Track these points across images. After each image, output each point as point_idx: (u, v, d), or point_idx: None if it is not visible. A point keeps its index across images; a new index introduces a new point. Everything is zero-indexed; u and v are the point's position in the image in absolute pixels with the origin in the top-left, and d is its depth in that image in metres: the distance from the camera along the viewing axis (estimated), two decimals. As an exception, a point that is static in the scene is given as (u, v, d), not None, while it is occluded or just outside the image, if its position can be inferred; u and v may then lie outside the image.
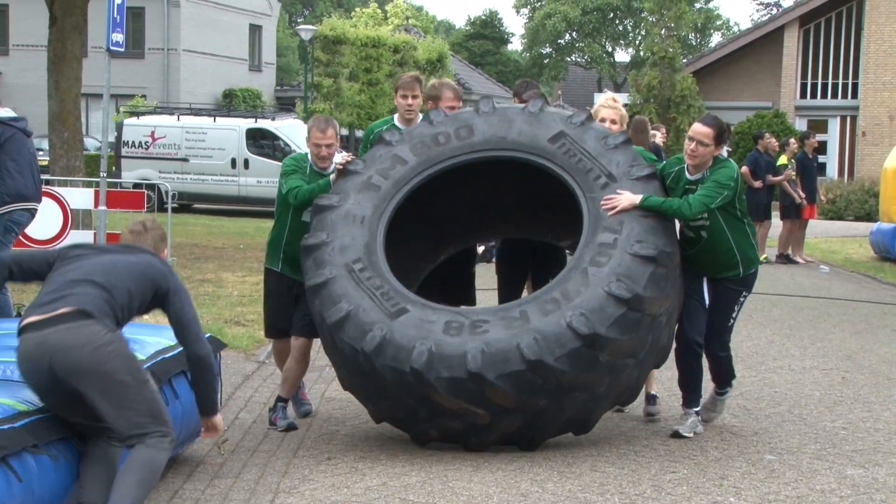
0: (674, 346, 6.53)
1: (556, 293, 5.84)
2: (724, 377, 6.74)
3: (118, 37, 9.86)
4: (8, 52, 39.29)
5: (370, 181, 6.34)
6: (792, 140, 17.37)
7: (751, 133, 26.68)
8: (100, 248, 5.27)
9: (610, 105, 6.93)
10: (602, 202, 6.08)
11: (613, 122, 6.76)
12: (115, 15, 9.82)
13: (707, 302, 6.52)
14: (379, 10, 48.58)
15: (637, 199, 6.07)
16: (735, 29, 60.48)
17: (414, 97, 7.13)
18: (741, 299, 6.55)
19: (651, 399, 7.01)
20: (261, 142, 24.61)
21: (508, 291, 7.15)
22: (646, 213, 6.07)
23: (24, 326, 4.44)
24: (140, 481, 4.38)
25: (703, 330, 6.49)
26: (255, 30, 43.87)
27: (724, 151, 6.60)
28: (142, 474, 4.37)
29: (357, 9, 53.05)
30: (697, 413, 6.63)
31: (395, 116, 7.26)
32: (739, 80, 36.30)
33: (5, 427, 3.94)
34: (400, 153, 6.45)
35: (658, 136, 15.01)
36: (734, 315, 6.56)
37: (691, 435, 6.47)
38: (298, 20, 66.43)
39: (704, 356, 6.58)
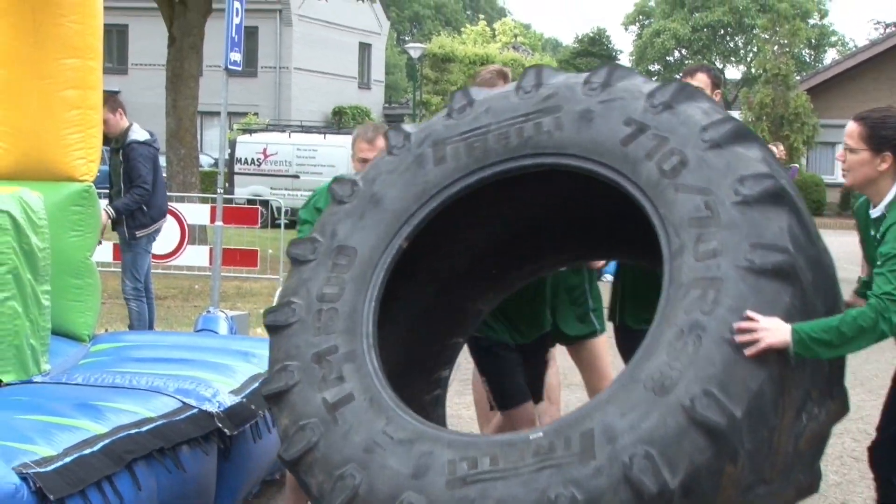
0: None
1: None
2: None
3: (236, 56, 10.07)
4: (127, 70, 40.47)
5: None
6: None
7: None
8: None
9: None
10: (735, 333, 3.36)
11: None
12: (234, 35, 10.03)
13: None
14: (487, 28, 48.88)
15: (786, 332, 3.38)
16: (851, 45, 59.24)
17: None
18: None
19: None
20: (370, 159, 24.88)
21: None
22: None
23: None
24: None
25: None
26: (364, 48, 44.49)
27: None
28: None
29: (466, 26, 53.42)
30: None
31: None
32: (856, 98, 35.43)
33: (132, 432, 4.05)
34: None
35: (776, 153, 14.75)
36: None
37: None
38: (407, 38, 67.12)
39: None
